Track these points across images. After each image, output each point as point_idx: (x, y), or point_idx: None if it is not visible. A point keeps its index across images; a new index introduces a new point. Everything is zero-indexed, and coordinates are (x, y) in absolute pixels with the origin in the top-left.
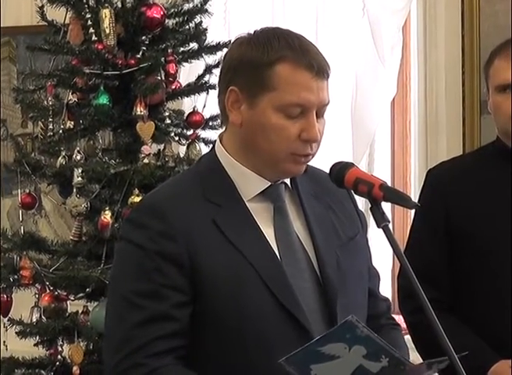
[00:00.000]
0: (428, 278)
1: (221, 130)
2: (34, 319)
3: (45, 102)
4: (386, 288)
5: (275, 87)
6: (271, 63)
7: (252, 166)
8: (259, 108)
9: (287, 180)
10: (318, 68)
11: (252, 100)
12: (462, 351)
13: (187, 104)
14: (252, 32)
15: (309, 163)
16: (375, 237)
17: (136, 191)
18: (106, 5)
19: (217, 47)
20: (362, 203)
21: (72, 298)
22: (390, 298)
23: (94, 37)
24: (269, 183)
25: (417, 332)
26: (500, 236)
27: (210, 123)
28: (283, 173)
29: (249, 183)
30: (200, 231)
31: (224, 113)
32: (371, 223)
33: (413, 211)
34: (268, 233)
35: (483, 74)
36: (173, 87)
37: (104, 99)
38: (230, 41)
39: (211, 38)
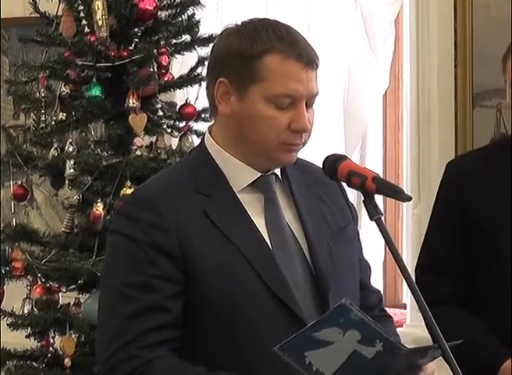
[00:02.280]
0: (446, 271)
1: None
2: (26, 311)
3: (37, 94)
4: (378, 280)
5: (265, 78)
6: (260, 54)
7: (242, 157)
8: (249, 99)
9: (277, 172)
10: (307, 59)
11: (242, 91)
12: (473, 345)
13: (180, 96)
14: (239, 23)
15: (300, 157)
16: (367, 230)
17: (129, 183)
18: None
19: (209, 39)
20: (354, 195)
21: (63, 290)
22: (382, 290)
23: (86, 29)
24: (259, 174)
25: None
26: None
27: (202, 115)
28: (275, 162)
29: (239, 174)
30: (191, 222)
31: (213, 105)
32: (364, 215)
33: (405, 204)
34: (260, 223)
35: (480, 59)
36: (166, 79)
37: (96, 91)
38: None
39: (204, 30)
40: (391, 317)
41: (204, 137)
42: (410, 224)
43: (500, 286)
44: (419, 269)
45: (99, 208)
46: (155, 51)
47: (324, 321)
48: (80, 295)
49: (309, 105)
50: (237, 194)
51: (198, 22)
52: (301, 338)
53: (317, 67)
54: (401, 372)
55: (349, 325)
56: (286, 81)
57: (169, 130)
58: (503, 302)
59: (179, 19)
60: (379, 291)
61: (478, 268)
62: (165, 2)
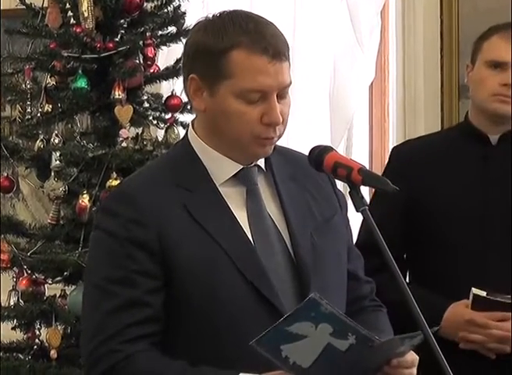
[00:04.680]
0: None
1: None
2: (12, 303)
3: (23, 86)
4: None
5: (232, 74)
6: (225, 50)
7: (221, 150)
8: (219, 95)
9: (261, 163)
10: (273, 51)
11: (211, 88)
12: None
13: (165, 87)
14: (211, 16)
15: (287, 146)
16: (353, 221)
17: (114, 175)
18: None
19: None
20: (341, 187)
21: (49, 282)
22: None
23: (72, 21)
24: (241, 167)
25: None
26: (461, 215)
27: (188, 107)
28: (250, 156)
29: (221, 167)
30: (171, 217)
31: (189, 100)
32: (350, 206)
33: None
34: (241, 217)
35: (466, 50)
36: (151, 70)
37: (82, 83)
38: None
39: (190, 22)
40: (383, 306)
41: (187, 130)
42: None
43: (448, 268)
44: None
45: (85, 199)
46: (141, 42)
47: (295, 315)
48: (66, 287)
49: (282, 96)
50: (218, 188)
51: (184, 13)
52: (275, 332)
53: (286, 58)
54: (378, 363)
55: (320, 318)
56: (253, 76)
57: (155, 122)
58: (445, 280)
59: (165, 10)
60: (372, 281)
61: (420, 247)
62: None
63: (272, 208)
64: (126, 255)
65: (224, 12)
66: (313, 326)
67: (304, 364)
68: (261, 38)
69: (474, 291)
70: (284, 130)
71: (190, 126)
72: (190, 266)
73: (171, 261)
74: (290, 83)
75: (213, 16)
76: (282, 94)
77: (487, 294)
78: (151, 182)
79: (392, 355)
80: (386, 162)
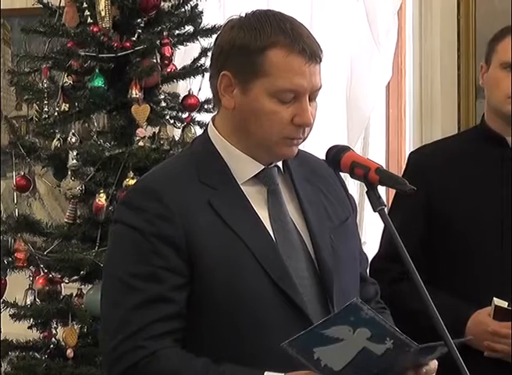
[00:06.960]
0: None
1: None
2: (28, 302)
3: (40, 85)
4: None
5: (268, 72)
6: (263, 49)
7: (245, 149)
8: (252, 93)
9: (279, 164)
10: (310, 53)
11: (245, 85)
12: (438, 309)
13: (182, 87)
14: (244, 15)
15: (300, 148)
16: (370, 220)
17: (131, 174)
18: None
19: (212, 30)
20: (357, 186)
21: (66, 281)
22: None
23: (89, 20)
24: (263, 167)
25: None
26: (480, 218)
27: (205, 106)
28: (277, 156)
29: (243, 167)
30: (196, 213)
31: (216, 97)
32: (367, 205)
33: None
34: (263, 216)
35: (483, 50)
36: (168, 69)
37: (99, 82)
38: None
39: (207, 21)
40: (387, 308)
41: (207, 128)
42: None
43: (467, 271)
44: (375, 258)
45: (102, 198)
46: (158, 41)
47: (334, 319)
48: (83, 286)
49: (312, 98)
50: (241, 186)
51: (201, 12)
52: (310, 335)
53: (320, 61)
54: (408, 367)
55: (359, 323)
56: (289, 76)
57: (172, 121)
58: (468, 282)
59: (182, 9)
60: (376, 283)
61: (442, 252)
62: None
63: (290, 208)
64: (152, 250)
65: (257, 11)
66: (351, 331)
67: (336, 367)
68: (298, 39)
69: (496, 301)
70: (310, 132)
71: (211, 124)
72: (215, 263)
73: (196, 257)
74: (321, 86)
75: (246, 14)
76: (312, 96)
77: (508, 305)
78: (176, 178)
79: (423, 361)
80: (404, 167)
